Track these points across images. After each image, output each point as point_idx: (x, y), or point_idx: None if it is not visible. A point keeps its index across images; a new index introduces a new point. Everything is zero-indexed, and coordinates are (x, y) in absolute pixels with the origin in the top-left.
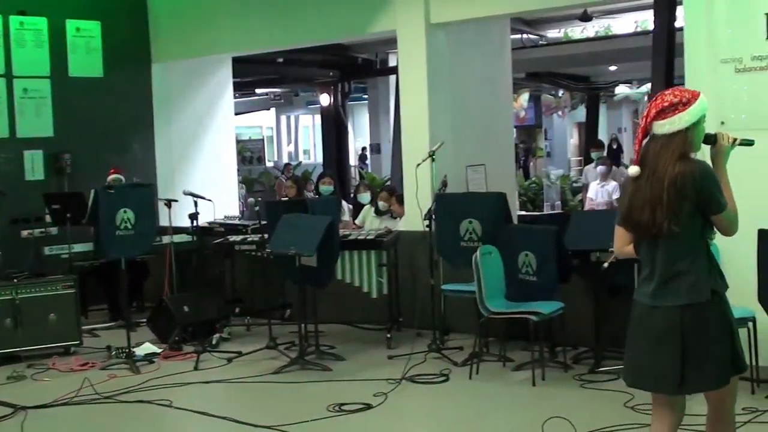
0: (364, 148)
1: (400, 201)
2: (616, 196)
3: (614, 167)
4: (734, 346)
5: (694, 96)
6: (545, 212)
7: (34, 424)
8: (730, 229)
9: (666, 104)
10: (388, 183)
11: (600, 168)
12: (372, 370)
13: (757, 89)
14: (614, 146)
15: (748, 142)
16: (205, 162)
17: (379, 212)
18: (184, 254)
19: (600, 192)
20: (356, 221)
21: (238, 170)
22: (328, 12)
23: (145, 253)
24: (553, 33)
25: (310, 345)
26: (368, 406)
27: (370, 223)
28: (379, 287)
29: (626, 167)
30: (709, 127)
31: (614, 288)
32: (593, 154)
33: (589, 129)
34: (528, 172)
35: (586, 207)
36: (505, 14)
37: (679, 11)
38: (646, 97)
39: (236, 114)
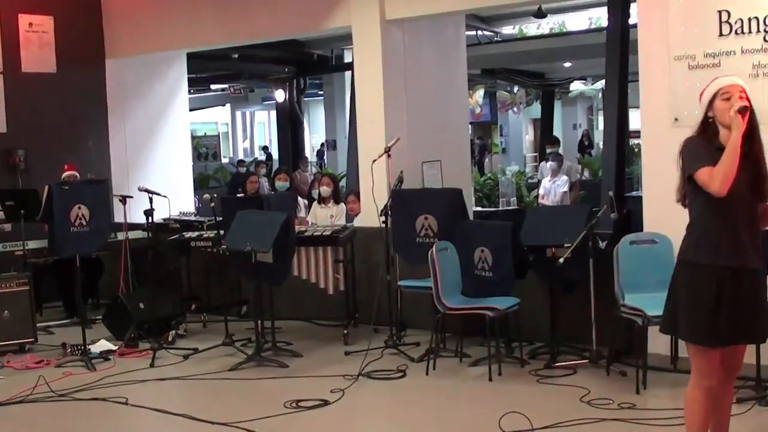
0: (322, 144)
1: (357, 197)
2: (564, 190)
3: (567, 162)
4: (678, 313)
5: (705, 88)
6: (501, 208)
7: None
8: (707, 187)
9: None
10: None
11: (551, 164)
12: (329, 367)
13: None
14: (585, 142)
15: (741, 109)
16: (160, 158)
17: (321, 199)
18: (139, 251)
19: (552, 188)
20: (308, 217)
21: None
22: (283, 7)
23: (99, 249)
24: (507, 29)
25: (266, 341)
26: (325, 403)
27: (318, 215)
28: (335, 283)
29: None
30: (663, 123)
31: (569, 283)
32: (549, 150)
33: (544, 125)
34: (483, 169)
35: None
36: (460, 11)
37: (633, 8)
38: (600, 94)
39: (191, 110)
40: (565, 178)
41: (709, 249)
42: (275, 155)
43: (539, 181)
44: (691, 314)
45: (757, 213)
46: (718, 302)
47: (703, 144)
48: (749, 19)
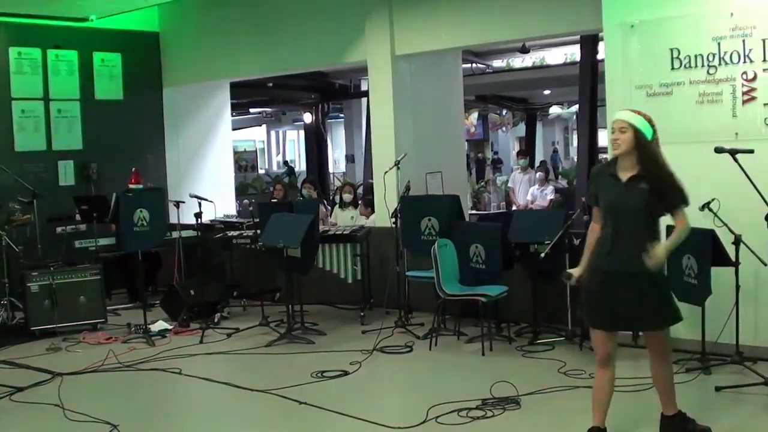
0: (346, 157)
1: (369, 205)
2: (551, 197)
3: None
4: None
5: None
6: (492, 211)
7: (69, 387)
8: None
9: None
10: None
11: (539, 174)
12: (348, 343)
13: (664, 110)
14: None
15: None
16: (208, 169)
17: (343, 204)
18: (190, 247)
19: (539, 195)
20: (330, 218)
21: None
22: (311, 44)
23: (157, 246)
24: (497, 63)
25: (296, 322)
26: (345, 373)
27: (339, 217)
28: (353, 274)
29: (561, 175)
30: None
31: (548, 274)
32: (520, 161)
33: (528, 142)
34: (483, 176)
35: (526, 207)
36: (457, 47)
37: (601, 46)
38: (574, 116)
39: (233, 129)
40: (551, 187)
41: (600, 255)
42: (303, 168)
43: (510, 188)
44: (587, 304)
45: (647, 225)
46: (603, 297)
47: (599, 174)
48: (695, 56)
